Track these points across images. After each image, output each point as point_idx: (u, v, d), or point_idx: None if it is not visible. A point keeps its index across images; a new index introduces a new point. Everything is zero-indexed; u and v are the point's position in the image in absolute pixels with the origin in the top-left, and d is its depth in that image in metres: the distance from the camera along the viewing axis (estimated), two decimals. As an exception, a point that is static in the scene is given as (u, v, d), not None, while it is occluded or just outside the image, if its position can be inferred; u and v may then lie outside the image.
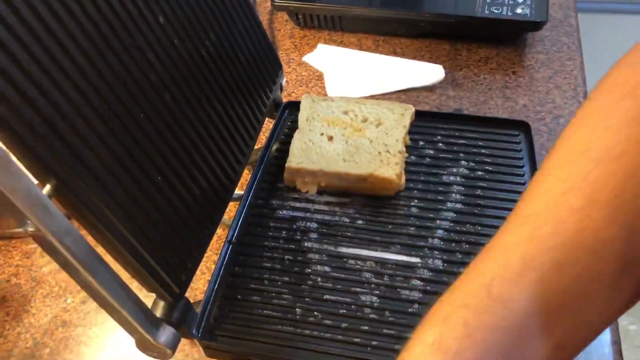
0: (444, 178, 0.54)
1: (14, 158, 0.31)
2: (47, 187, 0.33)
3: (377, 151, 0.53)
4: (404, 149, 0.54)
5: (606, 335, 0.48)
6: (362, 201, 0.53)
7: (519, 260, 0.28)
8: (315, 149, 0.54)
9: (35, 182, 0.32)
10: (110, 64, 0.37)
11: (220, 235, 0.57)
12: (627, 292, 0.29)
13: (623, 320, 1.37)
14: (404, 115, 0.56)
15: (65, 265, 0.35)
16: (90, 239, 0.35)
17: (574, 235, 0.28)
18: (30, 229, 0.33)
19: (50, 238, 0.33)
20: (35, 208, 0.32)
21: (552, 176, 0.31)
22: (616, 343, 0.48)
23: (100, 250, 0.36)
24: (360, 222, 0.51)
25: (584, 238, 0.28)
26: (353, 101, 0.58)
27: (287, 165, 0.53)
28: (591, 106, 0.32)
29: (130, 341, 0.51)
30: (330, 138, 0.55)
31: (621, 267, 0.28)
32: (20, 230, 0.59)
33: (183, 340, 0.45)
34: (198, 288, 0.54)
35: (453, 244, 0.49)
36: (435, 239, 0.49)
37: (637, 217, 0.28)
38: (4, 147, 0.30)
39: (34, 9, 0.32)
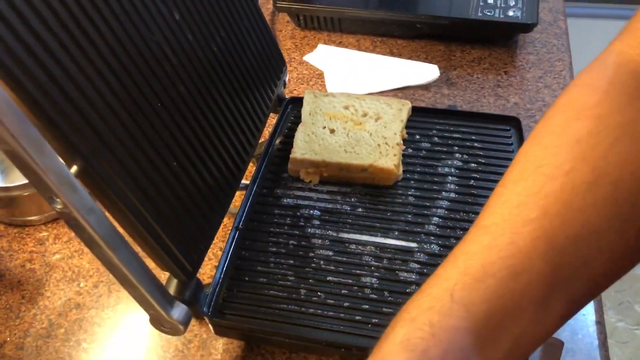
0: (439, 169, 0.57)
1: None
2: (74, 168, 0.36)
3: (377, 143, 0.56)
4: (402, 142, 0.57)
5: (591, 316, 0.51)
6: (363, 190, 0.56)
7: (479, 267, 0.31)
8: (318, 141, 0.57)
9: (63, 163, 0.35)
10: (132, 56, 0.40)
11: (226, 223, 0.59)
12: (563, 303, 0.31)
13: (611, 318, 1.40)
14: (401, 110, 0.59)
15: (89, 242, 0.38)
16: (111, 219, 0.38)
17: (529, 243, 0.31)
18: (59, 206, 0.35)
19: (77, 215, 0.36)
20: (64, 187, 0.34)
21: (509, 190, 0.34)
22: (600, 323, 0.51)
23: (120, 230, 0.39)
24: (360, 209, 0.54)
25: (537, 246, 0.31)
26: (353, 97, 0.61)
27: (291, 156, 0.56)
28: (546, 124, 0.35)
29: (141, 322, 0.53)
30: (332, 131, 0.58)
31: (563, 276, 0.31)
32: (33, 218, 0.61)
33: (192, 321, 0.47)
34: (205, 272, 0.56)
35: (448, 230, 0.52)
36: (431, 226, 0.52)
37: (584, 229, 0.31)
38: (38, 131, 0.33)
39: (69, 9, 0.34)
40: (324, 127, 0.58)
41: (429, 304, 0.31)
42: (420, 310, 0.31)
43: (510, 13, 0.76)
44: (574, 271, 0.31)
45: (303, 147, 0.56)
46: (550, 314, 0.31)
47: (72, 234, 0.61)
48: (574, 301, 0.32)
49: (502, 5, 0.77)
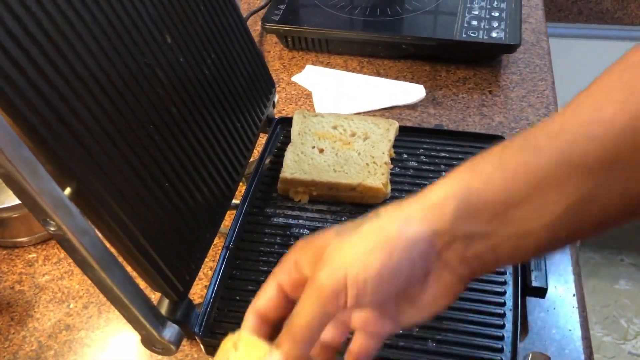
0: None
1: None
2: (68, 190, 0.36)
3: (365, 162, 0.57)
4: (389, 161, 0.58)
5: (577, 331, 0.52)
6: (352, 209, 0.56)
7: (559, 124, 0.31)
8: (307, 161, 0.58)
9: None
10: (124, 79, 0.40)
11: (216, 243, 0.60)
12: None
13: (597, 333, 1.42)
14: (389, 129, 0.60)
15: (82, 263, 0.38)
16: (103, 240, 0.39)
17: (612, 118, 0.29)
18: (53, 228, 0.36)
19: (71, 237, 0.36)
20: (58, 209, 0.35)
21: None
22: (586, 338, 0.52)
23: (112, 251, 0.39)
24: (349, 228, 0.55)
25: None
26: (342, 117, 0.62)
27: (281, 175, 0.57)
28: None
29: (131, 343, 0.53)
30: (321, 150, 0.59)
31: None
32: (23, 239, 0.61)
33: (183, 341, 0.48)
34: (196, 292, 0.57)
35: (436, 248, 0.52)
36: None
37: None
38: (32, 154, 0.34)
39: (61, 32, 0.35)
40: (313, 147, 0.59)
41: (503, 146, 0.33)
42: (494, 150, 0.33)
43: (494, 34, 0.78)
44: None
45: (292, 166, 0.57)
46: (611, 196, 0.30)
47: (62, 255, 0.61)
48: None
49: (486, 26, 0.79)
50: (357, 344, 0.37)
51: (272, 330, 0.36)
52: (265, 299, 0.37)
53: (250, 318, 0.37)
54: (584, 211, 0.31)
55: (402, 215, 0.33)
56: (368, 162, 0.57)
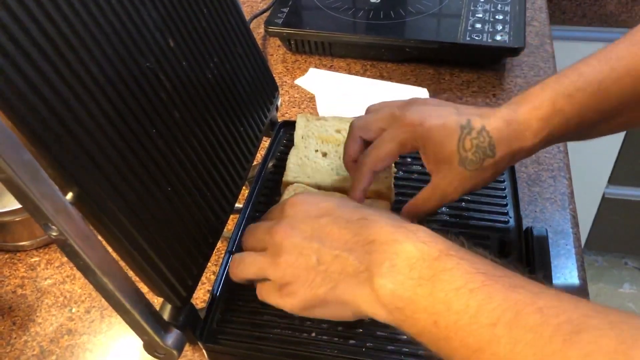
0: (431, 192, 0.57)
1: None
2: (70, 195, 0.36)
3: None
4: (393, 165, 0.58)
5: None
6: (355, 213, 0.56)
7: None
8: (311, 164, 0.57)
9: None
10: (127, 83, 0.40)
11: (219, 247, 0.59)
12: None
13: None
14: None
15: (83, 269, 0.38)
16: (106, 245, 0.38)
17: None
18: (54, 233, 0.35)
19: (72, 242, 0.36)
20: (59, 214, 0.35)
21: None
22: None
23: (114, 256, 0.39)
24: (353, 232, 0.54)
25: None
26: (345, 120, 0.62)
27: (284, 179, 0.56)
28: None
29: (133, 348, 0.53)
30: (325, 154, 0.58)
31: None
32: (25, 243, 0.61)
33: (186, 346, 0.47)
34: (199, 297, 0.56)
35: (440, 253, 0.52)
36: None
37: None
38: (33, 159, 0.33)
39: (63, 36, 0.35)
40: (316, 151, 0.59)
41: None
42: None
43: (498, 37, 0.77)
44: None
45: (295, 170, 0.57)
46: None
47: (64, 259, 0.60)
48: None
49: (490, 30, 0.79)
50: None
51: None
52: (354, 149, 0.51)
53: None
54: (617, 129, 0.48)
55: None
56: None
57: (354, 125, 0.51)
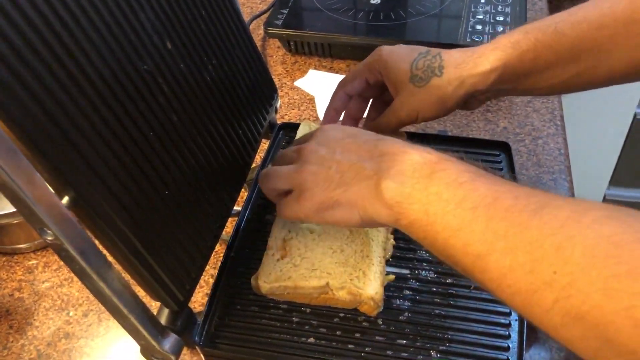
0: (431, 195, 0.57)
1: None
2: (66, 199, 0.36)
3: None
4: None
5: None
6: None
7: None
8: None
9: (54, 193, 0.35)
10: (124, 86, 0.40)
11: (217, 250, 0.59)
12: None
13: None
14: None
15: (79, 273, 0.37)
16: (102, 249, 0.38)
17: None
18: (50, 238, 0.35)
19: (68, 246, 0.35)
20: (55, 218, 0.34)
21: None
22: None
23: (110, 259, 0.39)
24: (352, 236, 0.54)
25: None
26: None
27: None
28: None
29: (131, 352, 0.53)
30: None
31: None
32: (22, 245, 0.61)
33: (184, 350, 0.47)
34: (197, 301, 0.56)
35: (440, 256, 0.52)
36: (423, 252, 0.52)
37: None
38: (29, 162, 0.33)
39: (59, 38, 0.35)
40: None
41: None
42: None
43: (498, 39, 0.77)
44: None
45: None
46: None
47: (62, 262, 0.60)
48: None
49: (490, 31, 0.78)
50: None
51: None
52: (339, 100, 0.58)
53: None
54: (576, 81, 0.49)
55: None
56: None
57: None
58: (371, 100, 0.59)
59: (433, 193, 0.37)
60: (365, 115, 0.60)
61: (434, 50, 0.53)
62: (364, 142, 0.44)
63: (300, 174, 0.44)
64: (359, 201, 0.41)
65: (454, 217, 0.36)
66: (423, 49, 0.53)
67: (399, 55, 0.54)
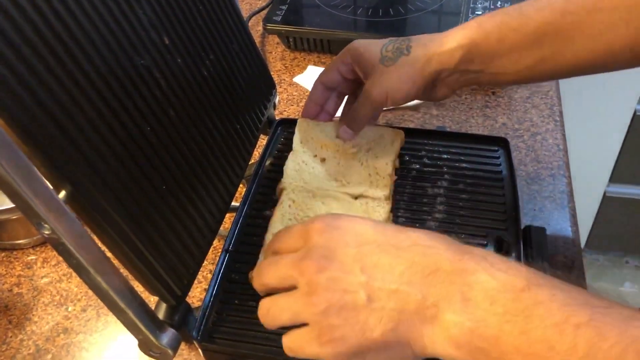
0: (429, 190, 0.57)
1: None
2: (63, 193, 0.36)
3: (367, 173, 0.56)
4: (393, 172, 0.57)
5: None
6: (352, 212, 0.55)
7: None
8: (308, 170, 0.57)
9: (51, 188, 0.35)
10: (121, 81, 0.40)
11: (215, 246, 0.59)
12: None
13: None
14: (394, 140, 0.59)
15: (77, 267, 0.37)
16: (100, 243, 0.38)
17: None
18: (47, 232, 0.35)
19: (65, 241, 0.36)
20: (52, 212, 0.34)
21: None
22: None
23: (108, 254, 0.39)
24: (350, 231, 0.54)
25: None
26: None
27: (279, 186, 0.56)
28: None
29: (129, 347, 0.53)
30: (323, 160, 0.58)
31: None
32: (21, 241, 0.61)
33: (181, 345, 0.47)
34: (195, 296, 0.56)
35: (438, 252, 0.52)
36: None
37: None
38: (26, 157, 0.33)
39: (56, 33, 0.35)
40: (315, 156, 0.58)
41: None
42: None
43: (497, 35, 0.77)
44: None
45: (292, 176, 0.56)
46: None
47: (61, 258, 0.60)
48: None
49: (489, 27, 0.78)
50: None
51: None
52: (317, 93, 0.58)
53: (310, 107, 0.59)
54: (541, 67, 0.49)
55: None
56: (370, 173, 0.56)
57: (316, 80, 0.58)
58: (346, 97, 0.60)
59: (538, 340, 0.28)
60: (339, 113, 0.61)
61: (404, 38, 0.53)
62: (396, 251, 0.34)
63: (315, 307, 0.34)
64: (415, 341, 0.33)
65: None
66: (390, 38, 0.54)
67: (369, 43, 0.55)
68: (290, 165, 0.57)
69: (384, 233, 0.36)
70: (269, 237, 0.51)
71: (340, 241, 0.36)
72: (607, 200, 1.42)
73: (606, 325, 0.27)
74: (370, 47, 0.54)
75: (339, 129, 0.57)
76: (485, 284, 0.31)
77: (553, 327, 0.28)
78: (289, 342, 0.38)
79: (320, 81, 0.58)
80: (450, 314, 0.31)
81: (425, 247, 0.34)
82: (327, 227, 0.37)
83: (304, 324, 0.36)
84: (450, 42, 0.50)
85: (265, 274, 0.40)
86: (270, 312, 0.39)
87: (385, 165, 0.57)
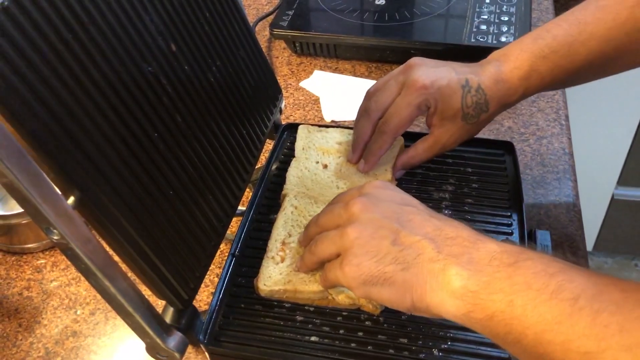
0: (434, 194, 0.57)
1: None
2: (71, 199, 0.36)
3: (368, 179, 0.57)
4: (393, 178, 0.57)
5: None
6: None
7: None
8: (311, 177, 0.57)
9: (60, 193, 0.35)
10: (128, 87, 0.40)
11: (222, 249, 0.60)
12: None
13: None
14: (393, 147, 0.59)
15: (85, 272, 0.38)
16: (107, 248, 0.39)
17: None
18: (56, 237, 0.36)
19: (73, 246, 0.36)
20: (61, 218, 0.35)
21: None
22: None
23: (116, 259, 0.39)
24: (355, 235, 0.54)
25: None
26: (347, 132, 0.62)
27: (282, 192, 0.56)
28: None
29: (137, 350, 0.53)
30: (325, 166, 0.59)
31: None
32: (31, 245, 0.61)
33: (188, 348, 0.48)
34: (202, 299, 0.57)
35: (443, 256, 0.52)
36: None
37: None
38: (35, 163, 0.34)
39: (64, 41, 0.35)
40: (317, 162, 0.59)
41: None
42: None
43: (503, 39, 0.77)
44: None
45: (294, 182, 0.57)
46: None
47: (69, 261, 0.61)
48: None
49: (495, 31, 0.78)
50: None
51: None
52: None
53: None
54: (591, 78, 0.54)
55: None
56: (371, 179, 0.57)
57: (371, 108, 0.55)
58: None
59: (519, 282, 0.34)
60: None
61: (473, 82, 0.53)
62: (429, 217, 0.41)
63: (346, 235, 0.41)
64: (418, 286, 0.38)
65: (549, 308, 0.32)
66: (461, 77, 0.53)
67: (446, 93, 0.53)
68: (293, 172, 0.58)
69: (423, 206, 0.43)
70: (272, 243, 0.52)
71: (388, 196, 0.43)
72: (615, 203, 1.41)
73: (576, 273, 0.33)
74: (450, 99, 0.53)
75: (358, 162, 0.58)
76: (491, 248, 0.37)
77: (532, 274, 0.34)
78: (323, 273, 0.45)
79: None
80: (455, 266, 0.37)
81: (453, 223, 0.40)
82: (380, 185, 0.45)
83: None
84: (513, 93, 0.53)
85: (322, 216, 0.46)
86: (316, 245, 0.44)
87: (385, 171, 0.57)
